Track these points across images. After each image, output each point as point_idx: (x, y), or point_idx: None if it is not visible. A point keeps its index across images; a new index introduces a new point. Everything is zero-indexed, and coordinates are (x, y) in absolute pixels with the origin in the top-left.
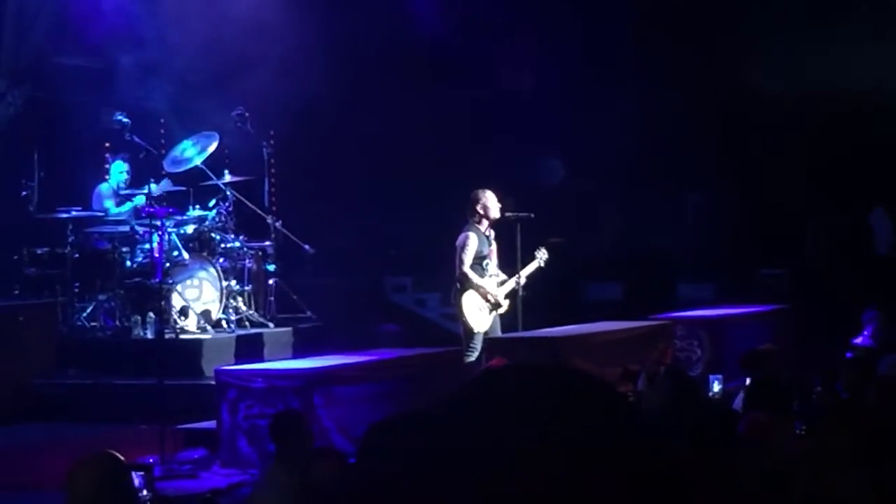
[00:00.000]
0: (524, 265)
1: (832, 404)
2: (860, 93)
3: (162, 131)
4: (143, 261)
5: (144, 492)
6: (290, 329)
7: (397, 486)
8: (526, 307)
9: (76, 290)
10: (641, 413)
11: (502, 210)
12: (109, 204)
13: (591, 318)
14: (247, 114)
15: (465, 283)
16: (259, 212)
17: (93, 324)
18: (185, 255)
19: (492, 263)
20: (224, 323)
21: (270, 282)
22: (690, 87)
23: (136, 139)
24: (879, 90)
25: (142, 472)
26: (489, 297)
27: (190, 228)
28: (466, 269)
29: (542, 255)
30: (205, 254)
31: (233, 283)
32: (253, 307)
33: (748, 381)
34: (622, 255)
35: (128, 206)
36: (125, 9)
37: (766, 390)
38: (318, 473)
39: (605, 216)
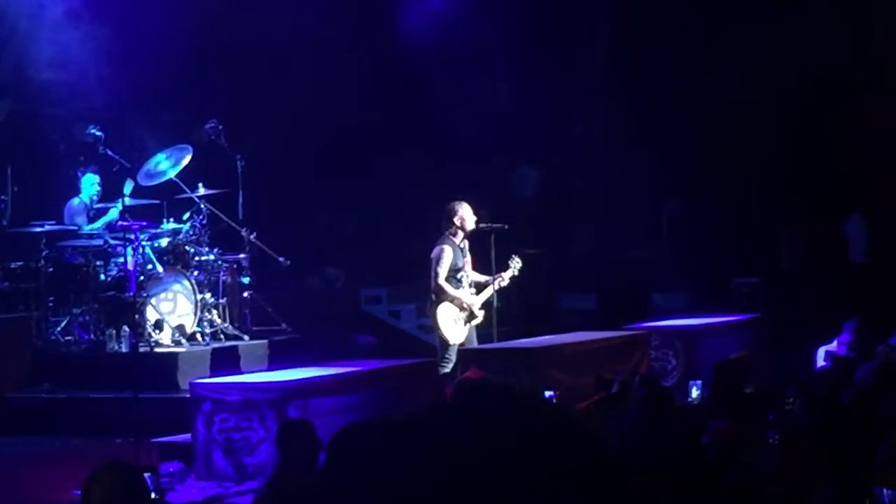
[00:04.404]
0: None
1: (806, 413)
2: (834, 101)
3: (136, 144)
4: (118, 274)
5: (153, 494)
6: (265, 341)
7: (365, 487)
8: (501, 318)
9: (50, 303)
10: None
11: (477, 221)
12: (81, 220)
13: (566, 329)
14: (220, 126)
15: (441, 296)
16: (233, 224)
17: (67, 338)
18: (160, 268)
19: (467, 275)
20: (199, 336)
21: (245, 294)
22: (664, 97)
23: (110, 153)
24: (854, 98)
25: (149, 473)
26: (465, 306)
27: (164, 241)
28: (441, 281)
29: (515, 264)
30: (179, 267)
31: (207, 295)
32: (228, 320)
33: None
34: (596, 266)
35: (100, 222)
36: (98, 22)
37: (728, 398)
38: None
39: (578, 227)
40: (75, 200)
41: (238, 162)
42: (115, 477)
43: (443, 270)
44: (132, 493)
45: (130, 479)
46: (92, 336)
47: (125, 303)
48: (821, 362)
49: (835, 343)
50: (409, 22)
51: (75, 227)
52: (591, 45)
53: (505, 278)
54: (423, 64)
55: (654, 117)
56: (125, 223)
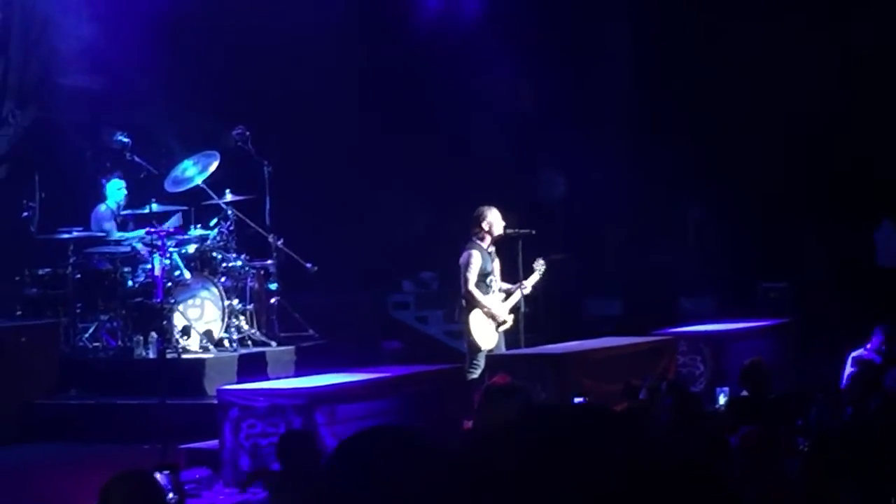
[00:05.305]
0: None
1: (833, 419)
2: (864, 106)
3: (163, 150)
4: (145, 280)
5: (171, 495)
6: (292, 347)
7: (361, 492)
8: (528, 324)
9: (78, 310)
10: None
11: (504, 227)
12: (109, 227)
13: (593, 335)
14: (247, 132)
15: (472, 302)
16: (260, 231)
17: (95, 344)
18: (187, 274)
19: (495, 280)
20: (226, 342)
21: (272, 300)
22: (691, 101)
23: (137, 159)
24: (884, 102)
25: (168, 472)
26: (495, 315)
27: (191, 248)
28: (472, 287)
29: (540, 267)
30: (206, 273)
31: (235, 302)
32: (255, 326)
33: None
34: (624, 271)
35: (132, 234)
36: (124, 29)
37: (754, 404)
38: None
39: (605, 232)
40: (102, 207)
41: (265, 168)
42: (130, 486)
43: (472, 276)
44: (148, 502)
45: (145, 487)
46: (119, 342)
47: (153, 309)
48: (849, 368)
49: (862, 350)
50: (433, 25)
51: (103, 234)
52: (616, 49)
53: (527, 286)
54: (449, 70)
55: (681, 121)
56: (153, 230)
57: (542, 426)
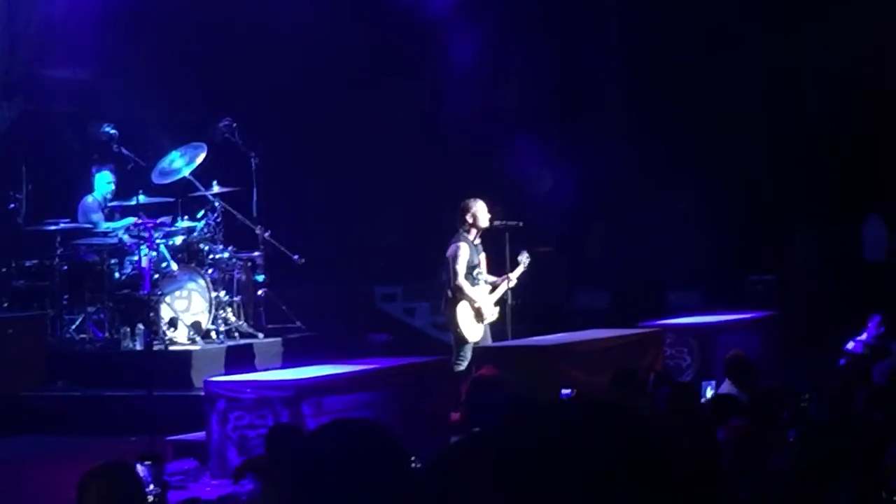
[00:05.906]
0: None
1: (820, 412)
2: (852, 100)
3: (150, 142)
4: (132, 272)
5: (151, 486)
6: (279, 339)
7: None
8: (515, 316)
9: (65, 302)
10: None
11: (490, 219)
12: (97, 218)
13: (581, 327)
14: (235, 124)
15: (459, 294)
16: (247, 222)
17: (82, 336)
18: (174, 266)
19: (482, 272)
20: (213, 334)
21: (259, 292)
22: (679, 93)
23: (124, 151)
24: (873, 97)
25: (149, 463)
26: (477, 306)
27: (178, 240)
28: (461, 281)
29: (525, 260)
30: (193, 265)
31: (222, 293)
32: (242, 318)
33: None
34: (611, 263)
35: (119, 223)
36: (112, 21)
37: (736, 398)
38: None
39: (593, 224)
40: (89, 198)
41: (252, 159)
42: (108, 478)
43: (461, 269)
44: (126, 495)
45: (124, 479)
46: (106, 334)
47: (140, 301)
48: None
49: (851, 342)
50: (420, 14)
51: (90, 226)
52: (605, 41)
53: (512, 278)
54: (436, 60)
55: (669, 114)
56: (140, 221)
57: (531, 428)
